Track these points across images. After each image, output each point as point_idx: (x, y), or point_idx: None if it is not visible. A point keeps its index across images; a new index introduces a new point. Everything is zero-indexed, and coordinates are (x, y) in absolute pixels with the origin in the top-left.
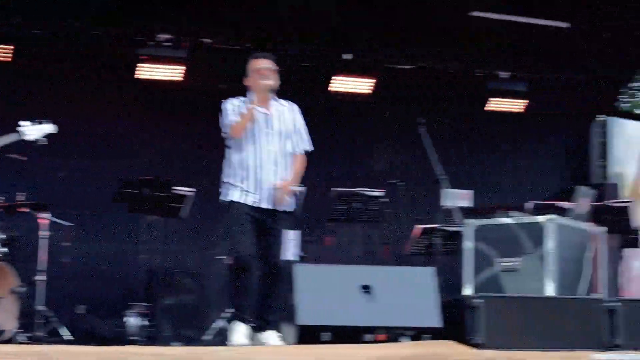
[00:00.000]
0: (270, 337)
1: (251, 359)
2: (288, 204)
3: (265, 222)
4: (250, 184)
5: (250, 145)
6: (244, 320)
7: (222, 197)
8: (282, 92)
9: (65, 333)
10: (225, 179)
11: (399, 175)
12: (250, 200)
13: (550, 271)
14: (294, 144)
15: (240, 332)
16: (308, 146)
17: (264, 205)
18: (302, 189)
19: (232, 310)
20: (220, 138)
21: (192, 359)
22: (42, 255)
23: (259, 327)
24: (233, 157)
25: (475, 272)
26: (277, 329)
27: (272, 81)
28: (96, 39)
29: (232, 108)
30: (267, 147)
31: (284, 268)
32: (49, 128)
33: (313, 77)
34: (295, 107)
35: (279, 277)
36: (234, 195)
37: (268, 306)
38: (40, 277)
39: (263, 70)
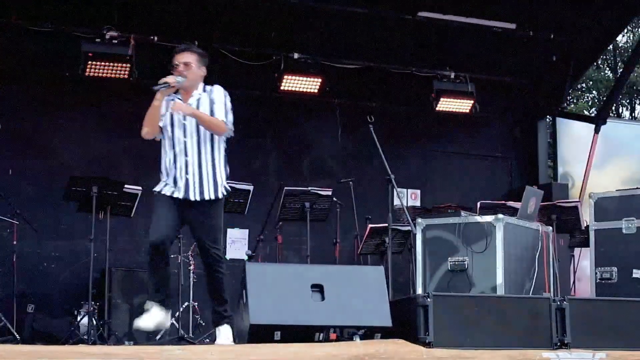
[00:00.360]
0: (222, 332)
1: (204, 358)
2: (209, 192)
3: (189, 214)
4: (170, 177)
5: (168, 139)
6: (160, 303)
7: None
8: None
9: (14, 332)
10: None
11: (349, 174)
12: (169, 191)
13: (499, 270)
14: (214, 113)
15: (149, 314)
16: (226, 120)
17: (181, 196)
18: (249, 187)
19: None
20: None
21: (139, 358)
22: None
23: (212, 320)
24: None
25: (425, 271)
26: (231, 323)
27: (182, 78)
28: (42, 35)
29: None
30: (182, 139)
31: (220, 259)
32: None
33: (263, 76)
34: (216, 88)
35: (215, 267)
36: (158, 186)
37: (213, 298)
38: None
39: (176, 67)
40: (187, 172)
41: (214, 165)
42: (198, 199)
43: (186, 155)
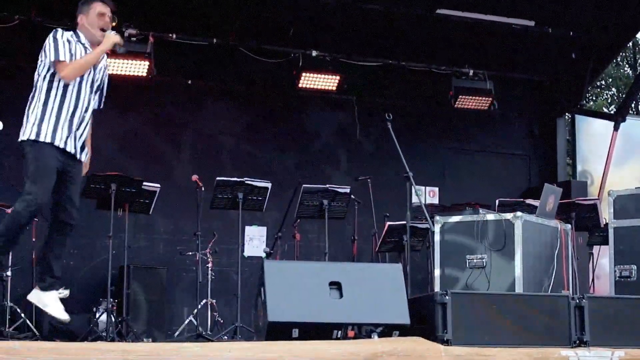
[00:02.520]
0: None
1: (222, 356)
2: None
3: (68, 168)
4: (63, 127)
5: (73, 88)
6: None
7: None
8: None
9: (33, 329)
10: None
11: (367, 172)
12: (61, 142)
13: (517, 268)
14: (99, 100)
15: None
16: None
17: (72, 150)
18: (268, 184)
19: None
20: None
21: (157, 355)
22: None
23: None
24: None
25: (443, 269)
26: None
27: (118, 36)
28: None
29: (63, 44)
30: (88, 95)
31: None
32: None
33: (282, 73)
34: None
35: (70, 230)
36: (44, 133)
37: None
38: (7, 273)
39: (108, 18)
40: (78, 129)
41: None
42: (80, 158)
43: (85, 112)
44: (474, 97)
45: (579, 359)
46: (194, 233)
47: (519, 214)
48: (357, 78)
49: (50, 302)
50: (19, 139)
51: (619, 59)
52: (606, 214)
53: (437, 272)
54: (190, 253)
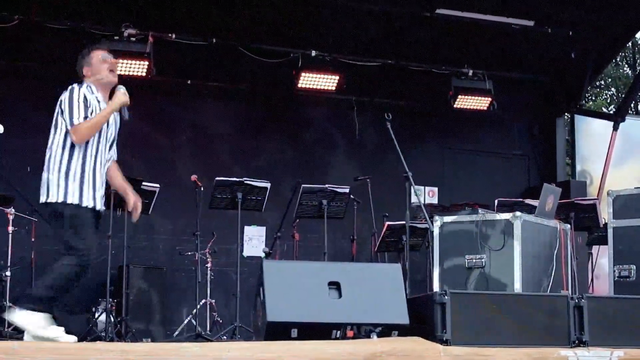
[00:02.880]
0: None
1: (220, 356)
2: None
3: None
4: (89, 188)
5: (91, 147)
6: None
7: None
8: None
9: None
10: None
11: (366, 172)
12: (90, 202)
13: (516, 268)
14: (115, 150)
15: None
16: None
17: (100, 208)
18: (267, 184)
19: None
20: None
21: (156, 355)
22: (8, 251)
23: None
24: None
25: (442, 269)
26: None
27: (127, 97)
28: (61, 33)
29: (79, 105)
30: (106, 154)
31: None
32: None
33: (281, 73)
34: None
35: None
36: (74, 196)
37: None
38: (7, 273)
39: (110, 61)
40: (100, 187)
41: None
42: (98, 207)
43: (102, 168)
44: (473, 97)
45: (578, 359)
46: (193, 233)
47: (518, 213)
48: (356, 78)
49: None
50: (46, 200)
51: (618, 59)
52: (605, 213)
53: (436, 272)
54: (189, 253)
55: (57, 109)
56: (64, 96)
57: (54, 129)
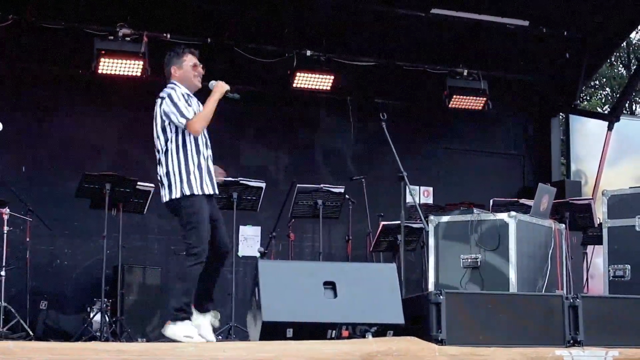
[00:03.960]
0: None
1: (216, 356)
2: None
3: (212, 208)
4: (203, 174)
5: (196, 137)
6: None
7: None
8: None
9: (27, 329)
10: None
11: (361, 172)
12: (208, 189)
13: (512, 267)
14: None
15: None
16: None
17: (213, 192)
18: (262, 184)
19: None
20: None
21: (152, 355)
22: (3, 251)
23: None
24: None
25: (437, 269)
26: None
27: (226, 85)
28: (56, 33)
29: (182, 106)
30: (207, 135)
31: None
32: None
33: (276, 73)
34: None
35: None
36: (196, 186)
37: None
38: (1, 273)
39: (200, 69)
40: (209, 167)
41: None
42: (217, 192)
43: (207, 149)
44: (468, 97)
45: (573, 359)
46: None
47: (513, 213)
48: (351, 78)
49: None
50: (171, 198)
51: (613, 59)
52: (600, 213)
53: (431, 271)
54: (184, 253)
55: (162, 118)
56: (165, 103)
57: (163, 137)
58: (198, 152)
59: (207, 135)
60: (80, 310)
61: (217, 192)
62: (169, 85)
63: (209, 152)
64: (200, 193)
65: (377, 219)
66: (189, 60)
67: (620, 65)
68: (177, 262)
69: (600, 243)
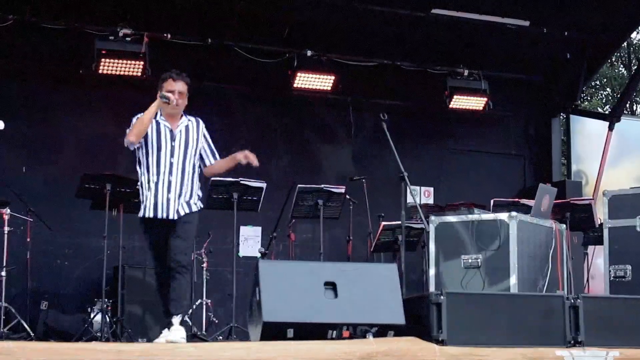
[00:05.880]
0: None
1: (216, 356)
2: (184, 209)
3: (169, 231)
4: (151, 197)
5: (152, 158)
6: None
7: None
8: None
9: (27, 329)
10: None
11: (362, 172)
12: (151, 213)
13: (512, 268)
14: (207, 156)
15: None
16: (214, 158)
17: (164, 216)
18: (263, 184)
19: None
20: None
21: (152, 355)
22: (4, 251)
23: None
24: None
25: (438, 269)
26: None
27: (178, 106)
28: (56, 33)
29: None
30: (169, 159)
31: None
32: None
33: (276, 73)
34: (201, 123)
35: (179, 273)
36: (141, 211)
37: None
38: (2, 273)
39: (177, 95)
40: (169, 192)
41: (192, 184)
42: (176, 217)
43: (170, 175)
44: (469, 97)
45: (573, 359)
46: None
47: (513, 214)
48: (352, 78)
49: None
50: (197, 210)
51: (613, 59)
52: (601, 214)
53: (432, 272)
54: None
55: (208, 140)
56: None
57: (195, 148)
58: (146, 172)
59: (170, 161)
60: (81, 311)
61: (168, 216)
62: None
63: (167, 176)
64: (143, 216)
65: (378, 219)
66: (165, 86)
67: (621, 66)
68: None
69: (601, 243)
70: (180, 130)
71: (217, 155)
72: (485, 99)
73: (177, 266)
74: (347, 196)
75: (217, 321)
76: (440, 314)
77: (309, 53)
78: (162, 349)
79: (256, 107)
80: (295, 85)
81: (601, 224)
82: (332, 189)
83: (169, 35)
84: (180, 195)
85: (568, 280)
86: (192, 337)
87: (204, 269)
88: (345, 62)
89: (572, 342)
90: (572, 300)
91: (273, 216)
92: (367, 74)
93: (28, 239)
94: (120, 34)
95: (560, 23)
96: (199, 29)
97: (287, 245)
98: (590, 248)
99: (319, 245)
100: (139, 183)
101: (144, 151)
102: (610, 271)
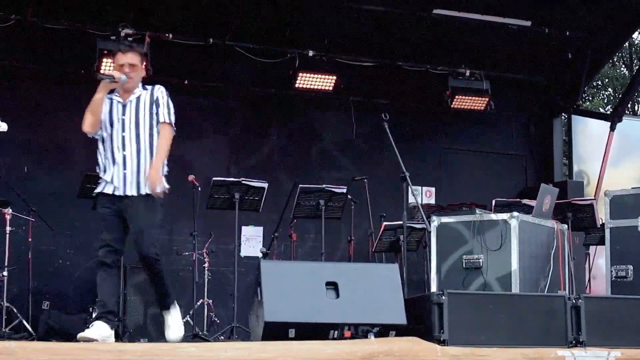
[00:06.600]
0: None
1: (218, 356)
2: (146, 187)
3: (127, 209)
4: (108, 174)
5: (107, 136)
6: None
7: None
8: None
9: (29, 329)
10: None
11: (363, 172)
12: (109, 189)
13: (514, 268)
14: (159, 115)
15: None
16: (171, 121)
17: (120, 193)
18: (264, 184)
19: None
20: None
21: (153, 355)
22: (5, 251)
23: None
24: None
25: (440, 269)
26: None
27: (132, 79)
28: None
29: None
30: (120, 134)
31: (157, 255)
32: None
33: (278, 73)
34: (158, 89)
35: (152, 264)
36: (98, 187)
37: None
38: (4, 273)
39: (121, 67)
40: (124, 167)
41: (151, 160)
42: (135, 193)
43: (124, 149)
44: (470, 97)
45: (575, 359)
46: (191, 233)
47: (515, 214)
48: (353, 78)
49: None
50: (148, 192)
51: (615, 59)
52: (602, 214)
53: (433, 272)
54: (186, 253)
55: (159, 102)
56: (165, 94)
57: (150, 124)
58: (103, 150)
59: (122, 135)
60: (83, 311)
61: (125, 192)
62: None
63: (121, 152)
64: (99, 192)
65: (379, 219)
66: (116, 60)
67: (623, 66)
68: (180, 262)
69: (603, 243)
70: (131, 101)
71: (162, 118)
72: (487, 99)
73: (153, 259)
74: (349, 196)
75: (218, 321)
76: (441, 314)
77: (310, 53)
78: (163, 348)
79: (258, 107)
80: (296, 85)
81: (603, 224)
82: (334, 189)
83: (171, 36)
84: (138, 172)
85: (569, 281)
86: (193, 337)
87: (206, 269)
88: (346, 62)
89: (574, 342)
90: (574, 301)
91: (275, 216)
92: (369, 74)
93: (30, 239)
94: (122, 34)
95: (561, 23)
96: (201, 29)
97: (289, 246)
98: (592, 248)
99: (320, 245)
100: (97, 167)
101: (102, 133)
102: (611, 271)
